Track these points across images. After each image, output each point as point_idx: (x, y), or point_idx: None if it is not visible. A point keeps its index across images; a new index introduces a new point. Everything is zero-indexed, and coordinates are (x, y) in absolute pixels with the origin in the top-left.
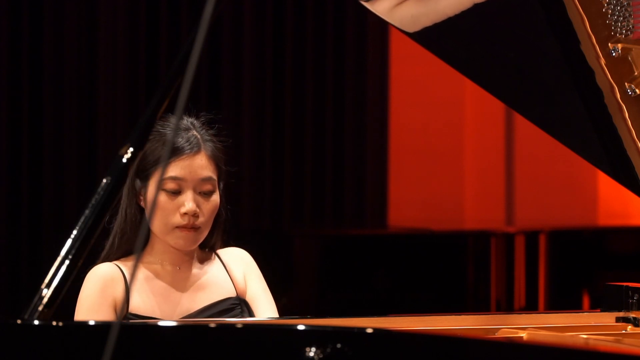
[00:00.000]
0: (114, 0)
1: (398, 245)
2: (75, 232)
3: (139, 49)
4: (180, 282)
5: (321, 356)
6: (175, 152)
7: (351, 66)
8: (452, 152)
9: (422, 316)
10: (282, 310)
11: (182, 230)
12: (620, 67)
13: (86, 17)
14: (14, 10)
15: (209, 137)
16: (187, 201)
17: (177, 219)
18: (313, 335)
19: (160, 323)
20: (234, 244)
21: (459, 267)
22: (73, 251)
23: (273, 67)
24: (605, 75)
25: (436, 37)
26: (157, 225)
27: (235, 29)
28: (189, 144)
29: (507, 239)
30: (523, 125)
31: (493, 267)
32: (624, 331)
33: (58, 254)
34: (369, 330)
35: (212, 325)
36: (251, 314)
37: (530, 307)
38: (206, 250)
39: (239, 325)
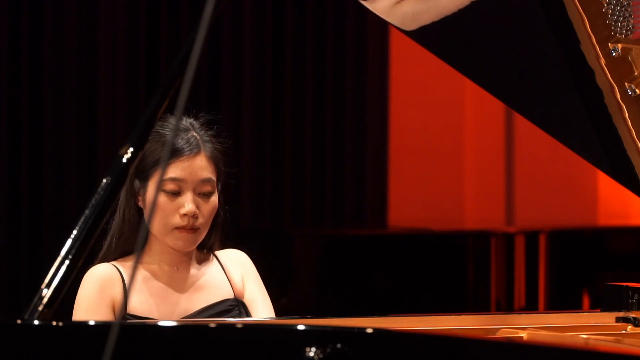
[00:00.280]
0: (114, 0)
1: (398, 245)
2: (75, 232)
3: (139, 49)
4: (178, 282)
5: (321, 356)
6: (175, 153)
7: (351, 66)
8: (452, 152)
9: (422, 316)
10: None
11: (181, 231)
12: (620, 67)
13: (86, 17)
14: (14, 10)
15: (209, 138)
16: (187, 202)
17: (177, 220)
18: (313, 335)
19: (160, 323)
20: (231, 244)
21: (459, 267)
22: (73, 251)
23: (273, 67)
24: (605, 75)
25: (436, 37)
26: (156, 226)
27: (235, 29)
28: (189, 145)
29: (507, 239)
30: (523, 125)
31: (493, 267)
32: (624, 331)
33: (58, 254)
34: (369, 330)
35: (212, 325)
36: (249, 316)
37: (530, 307)
38: (204, 251)
39: (239, 325)
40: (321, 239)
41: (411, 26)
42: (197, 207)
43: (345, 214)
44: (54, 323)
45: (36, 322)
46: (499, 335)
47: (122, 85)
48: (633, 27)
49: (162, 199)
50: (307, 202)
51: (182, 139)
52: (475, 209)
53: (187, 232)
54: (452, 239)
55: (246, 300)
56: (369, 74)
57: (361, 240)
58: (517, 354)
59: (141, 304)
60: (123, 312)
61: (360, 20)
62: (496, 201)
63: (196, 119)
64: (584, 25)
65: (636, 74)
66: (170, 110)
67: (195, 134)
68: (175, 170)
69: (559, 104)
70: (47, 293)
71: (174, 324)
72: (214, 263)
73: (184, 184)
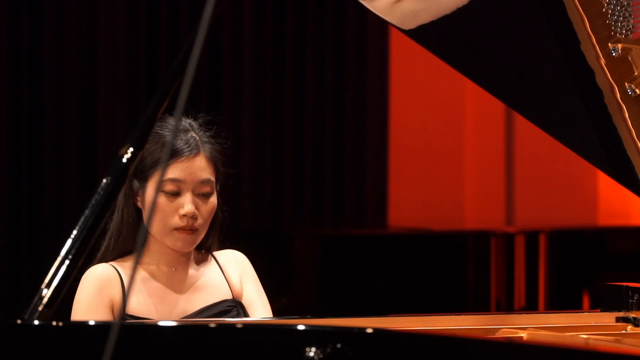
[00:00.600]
0: (114, 0)
1: (398, 245)
2: (75, 232)
3: (139, 49)
4: (177, 283)
5: (321, 356)
6: (175, 154)
7: (351, 66)
8: (452, 152)
9: (422, 316)
10: (282, 310)
11: (180, 232)
12: (620, 67)
13: (86, 17)
14: (14, 10)
15: (208, 139)
16: (186, 203)
17: (176, 221)
18: (313, 335)
19: (160, 323)
20: (230, 245)
21: (459, 267)
22: (73, 251)
23: (273, 67)
24: (605, 75)
25: (436, 37)
26: (155, 227)
27: (235, 29)
28: (188, 146)
29: (507, 239)
30: (523, 125)
31: (493, 267)
32: (624, 331)
33: (58, 254)
34: (369, 330)
35: (212, 325)
36: (247, 317)
37: (530, 307)
38: (202, 252)
39: (239, 325)
40: (321, 239)
41: (411, 25)
42: (196, 207)
43: (345, 214)
44: (54, 323)
45: (36, 322)
46: (499, 335)
47: (122, 85)
48: (633, 27)
49: (162, 199)
50: (307, 202)
51: (181, 139)
52: (475, 209)
53: (186, 232)
54: (452, 239)
55: (244, 301)
56: (369, 74)
57: (361, 240)
58: (517, 354)
59: (140, 305)
60: (122, 313)
61: (360, 20)
62: (496, 201)
63: (195, 119)
64: (584, 25)
65: (636, 74)
66: (170, 110)
67: (194, 134)
68: (174, 171)
69: (559, 104)
70: (47, 293)
71: (174, 324)
72: (212, 264)
73: (183, 184)
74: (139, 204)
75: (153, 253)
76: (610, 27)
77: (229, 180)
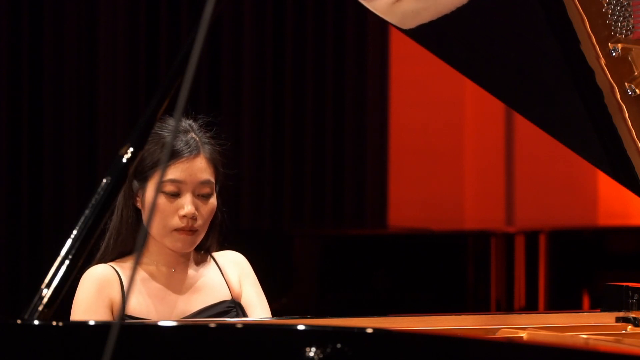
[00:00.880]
0: (114, 0)
1: (398, 245)
2: (75, 232)
3: (139, 49)
4: (176, 284)
5: (321, 356)
6: (174, 155)
7: (351, 66)
8: (452, 152)
9: (422, 316)
10: (282, 310)
11: (180, 233)
12: (620, 67)
13: (86, 17)
14: (14, 10)
15: (208, 140)
16: (186, 204)
17: (176, 222)
18: (313, 335)
19: (160, 323)
20: (229, 245)
21: (459, 267)
22: (73, 251)
23: (273, 67)
24: (605, 75)
25: (436, 36)
26: (155, 228)
27: (235, 29)
28: (188, 147)
29: (507, 239)
30: (523, 125)
31: (493, 267)
32: (624, 331)
33: (58, 254)
34: (369, 330)
35: (212, 325)
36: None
37: (530, 307)
38: (202, 253)
39: (239, 325)
40: (321, 239)
41: (410, 25)
42: (196, 208)
43: (345, 214)
44: (54, 323)
45: (36, 322)
46: (499, 335)
47: (122, 85)
48: (633, 27)
49: (161, 200)
50: (307, 202)
51: (181, 140)
52: (475, 209)
53: (185, 233)
54: (452, 239)
55: (243, 302)
56: (369, 74)
57: (361, 240)
58: (517, 354)
59: (139, 305)
60: (122, 313)
61: (360, 20)
62: (496, 201)
63: (195, 120)
64: (584, 25)
65: (636, 74)
66: (170, 110)
67: (194, 135)
68: (174, 172)
69: (559, 104)
70: (47, 293)
71: (174, 324)
72: (211, 264)
73: (183, 185)
74: (139, 205)
75: (152, 254)
76: (610, 27)
77: (229, 181)
